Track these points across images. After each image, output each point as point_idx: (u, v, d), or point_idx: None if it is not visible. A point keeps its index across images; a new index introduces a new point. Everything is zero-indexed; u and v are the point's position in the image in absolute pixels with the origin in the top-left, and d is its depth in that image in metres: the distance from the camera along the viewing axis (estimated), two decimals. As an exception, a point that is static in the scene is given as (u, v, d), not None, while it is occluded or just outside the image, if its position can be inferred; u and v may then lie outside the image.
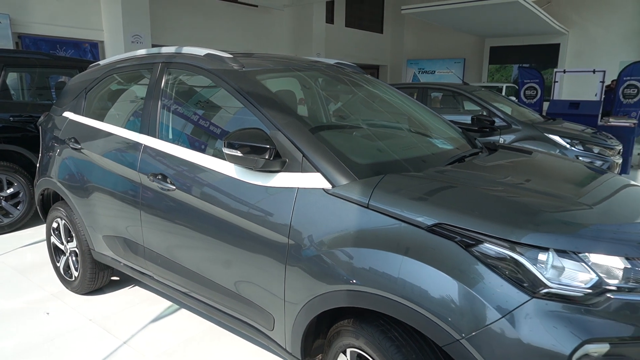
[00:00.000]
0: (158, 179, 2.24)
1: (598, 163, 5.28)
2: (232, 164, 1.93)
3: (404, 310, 1.42)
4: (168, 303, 3.03)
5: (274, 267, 1.80)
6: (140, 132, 2.44)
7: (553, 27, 12.50)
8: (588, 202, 1.64)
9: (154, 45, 8.54)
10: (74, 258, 3.09)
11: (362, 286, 1.50)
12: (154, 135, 2.37)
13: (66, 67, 4.96)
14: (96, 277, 3.03)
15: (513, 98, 11.29)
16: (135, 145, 2.43)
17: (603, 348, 1.26)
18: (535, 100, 10.07)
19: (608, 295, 1.31)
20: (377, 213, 1.55)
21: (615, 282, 1.35)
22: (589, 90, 11.16)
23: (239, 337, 2.62)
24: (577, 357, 1.24)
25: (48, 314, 2.92)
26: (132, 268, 2.64)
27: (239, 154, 1.77)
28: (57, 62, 4.99)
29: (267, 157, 1.75)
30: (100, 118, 2.79)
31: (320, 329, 1.85)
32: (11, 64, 4.49)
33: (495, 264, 1.34)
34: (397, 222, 1.50)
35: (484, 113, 5.99)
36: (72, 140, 2.87)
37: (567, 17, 13.40)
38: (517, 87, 11.09)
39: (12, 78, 4.65)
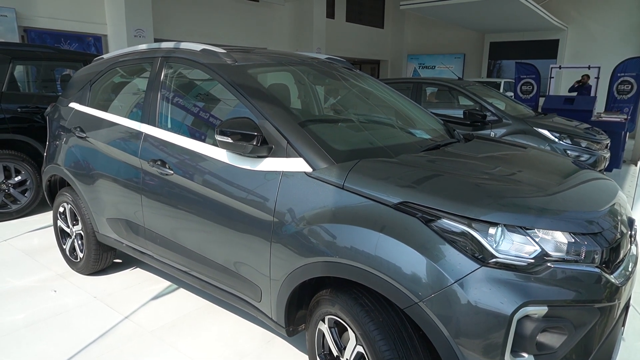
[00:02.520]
0: (157, 164, 2.43)
1: (585, 156, 5.45)
2: (224, 150, 2.12)
3: (371, 278, 1.61)
4: (167, 283, 3.23)
5: (261, 243, 1.99)
6: (142, 121, 2.63)
7: (552, 23, 12.60)
8: (546, 188, 1.80)
9: (156, 40, 8.72)
10: (79, 241, 3.29)
11: (336, 257, 1.69)
12: (154, 125, 2.56)
13: (71, 60, 5.15)
14: (100, 258, 3.23)
15: (510, 93, 11.44)
16: (137, 133, 2.62)
17: (542, 310, 1.44)
18: (531, 95, 10.21)
19: (549, 264, 1.50)
20: (351, 193, 1.73)
21: (560, 254, 1.53)
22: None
23: (233, 314, 2.82)
24: (518, 318, 1.43)
25: (55, 291, 3.12)
26: (133, 248, 2.84)
27: (229, 140, 1.96)
28: (62, 55, 5.18)
29: (254, 143, 1.94)
30: (104, 108, 2.98)
31: (303, 300, 2.05)
32: (18, 57, 4.68)
33: (451, 238, 1.52)
34: (368, 201, 1.69)
35: (477, 108, 6.15)
36: (78, 129, 3.06)
37: (566, 13, 13.50)
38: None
39: (19, 71, 4.85)
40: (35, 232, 4.26)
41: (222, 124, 1.98)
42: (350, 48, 15.38)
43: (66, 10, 7.81)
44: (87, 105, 3.11)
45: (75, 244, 3.32)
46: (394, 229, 1.59)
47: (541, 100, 9.33)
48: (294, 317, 2.06)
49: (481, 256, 1.49)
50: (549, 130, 5.59)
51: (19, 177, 4.59)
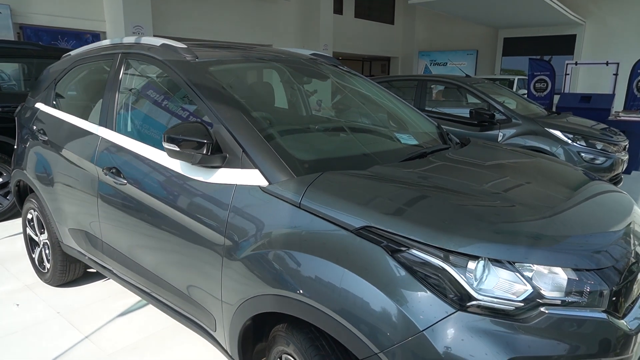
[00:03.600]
0: (112, 172, 2.18)
1: (601, 159, 5.07)
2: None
3: (324, 319, 1.33)
4: (137, 298, 3.00)
5: (212, 266, 1.73)
6: (99, 124, 2.39)
7: (569, 18, 12.09)
8: (543, 209, 1.51)
9: (155, 37, 8.53)
10: (46, 250, 3.08)
11: (285, 291, 1.42)
12: (111, 128, 2.31)
13: (57, 57, 4.94)
14: (67, 269, 3.01)
15: (524, 91, 10.98)
16: (94, 138, 2.38)
17: (530, 367, 1.15)
18: (545, 93, 9.76)
19: (542, 309, 1.20)
20: (308, 213, 1.46)
21: (557, 294, 1.24)
22: (604, 83, 10.78)
23: (200, 337, 2.57)
24: (502, 378, 1.14)
25: (18, 305, 2.91)
26: (95, 262, 2.61)
27: (176, 148, 1.70)
28: (49, 52, 4.99)
29: (204, 152, 1.68)
30: (66, 109, 2.75)
31: (264, 332, 1.78)
32: (1, 54, 4.50)
33: (421, 273, 1.24)
34: (326, 223, 1.41)
35: (485, 107, 5.81)
36: (41, 131, 2.84)
37: (584, 7, 12.95)
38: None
39: (1, 68, 4.67)
40: (13, 237, 4.08)
41: (170, 130, 1.72)
42: (359, 45, 15.04)
43: (64, 7, 7.66)
44: (50, 106, 2.88)
45: (43, 254, 3.11)
46: (353, 260, 1.31)
47: (556, 98, 8.91)
48: (252, 351, 1.80)
49: (458, 297, 1.20)
50: (561, 131, 5.22)
51: (0, 179, 4.41)
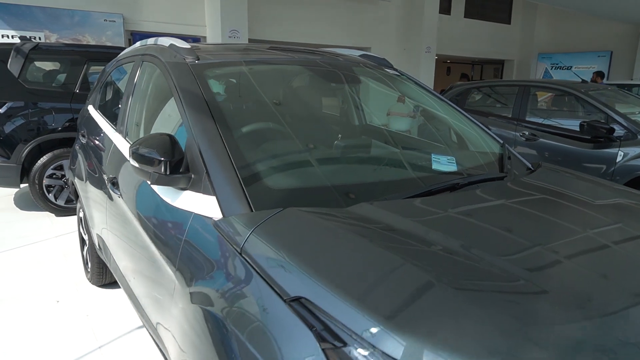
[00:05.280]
0: (112, 182, 2.04)
1: None
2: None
3: None
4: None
5: (169, 306, 1.45)
6: (116, 130, 2.28)
7: None
8: (588, 303, 0.94)
9: (250, 40, 8.73)
10: (89, 250, 3.12)
11: None
12: (121, 135, 2.19)
13: (143, 61, 5.19)
14: (102, 272, 3.01)
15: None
16: (109, 143, 2.28)
17: None
18: (697, 103, 7.89)
19: None
20: (247, 264, 1.10)
21: None
22: None
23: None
24: None
25: (58, 302, 2.98)
26: (114, 271, 2.53)
27: (136, 165, 1.46)
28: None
29: (162, 170, 1.41)
30: (102, 113, 2.72)
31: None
32: (94, 58, 4.83)
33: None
34: (261, 282, 1.04)
35: (602, 119, 4.78)
36: (83, 134, 2.86)
37: None
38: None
39: (93, 72, 5.02)
40: (85, 230, 4.31)
41: (135, 142, 1.49)
42: (468, 47, 13.93)
43: (170, 14, 8.20)
44: (95, 109, 2.90)
45: (88, 253, 3.16)
46: (276, 349, 0.92)
47: None
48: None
49: None
50: None
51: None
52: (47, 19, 6.97)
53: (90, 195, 2.56)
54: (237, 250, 1.14)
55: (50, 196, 4.60)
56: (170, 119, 1.85)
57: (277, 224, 1.15)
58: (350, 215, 1.20)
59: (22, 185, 4.69)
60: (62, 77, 4.85)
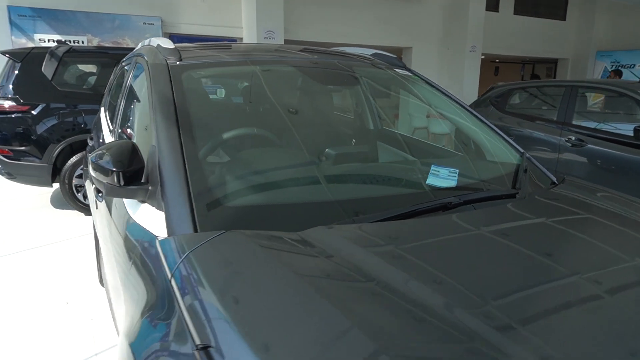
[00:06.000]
0: (97, 188, 1.97)
1: None
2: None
3: None
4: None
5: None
6: (110, 133, 2.22)
7: None
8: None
9: (285, 41, 8.66)
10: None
11: None
12: (115, 138, 2.11)
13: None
14: (110, 275, 2.99)
15: None
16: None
17: None
18: None
19: None
20: (173, 295, 0.95)
21: None
22: None
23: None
24: None
25: (67, 303, 2.99)
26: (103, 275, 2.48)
27: (93, 174, 1.35)
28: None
29: (114, 181, 1.29)
30: (106, 115, 2.69)
31: None
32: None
33: None
34: (182, 319, 0.88)
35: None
36: (91, 136, 2.85)
37: None
38: None
39: (124, 73, 5.11)
40: (108, 231, 4.37)
41: (95, 150, 1.39)
42: (518, 45, 13.20)
43: (207, 16, 8.28)
44: (103, 111, 2.87)
45: (97, 255, 3.16)
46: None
47: None
48: None
49: None
50: None
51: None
52: (90, 24, 7.22)
53: (90, 198, 2.53)
54: (167, 279, 0.99)
55: (79, 195, 4.70)
56: (146, 124, 1.75)
57: (213, 249, 0.99)
58: (299, 241, 1.02)
59: (54, 185, 4.84)
60: (92, 79, 4.96)
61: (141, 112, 1.80)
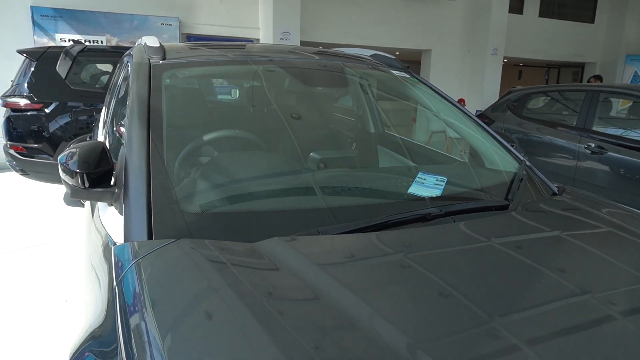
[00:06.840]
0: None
1: None
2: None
3: None
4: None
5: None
6: (102, 133, 2.20)
7: None
8: None
9: (302, 43, 8.61)
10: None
11: None
12: (104, 136, 2.10)
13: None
14: (108, 275, 2.99)
15: None
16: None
17: None
18: None
19: None
20: (115, 306, 0.90)
21: None
22: None
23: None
24: None
25: (66, 301, 3.00)
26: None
27: (62, 174, 1.32)
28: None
29: (79, 183, 1.25)
30: (104, 112, 2.68)
31: None
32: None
33: None
34: (119, 336, 0.83)
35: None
36: (90, 135, 2.85)
37: None
38: None
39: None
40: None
41: (64, 150, 1.36)
42: (542, 48, 12.85)
43: (224, 17, 8.31)
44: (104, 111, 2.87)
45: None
46: None
47: None
48: None
49: None
50: None
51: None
52: (109, 24, 7.34)
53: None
54: (113, 286, 0.94)
55: (89, 193, 4.75)
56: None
57: (160, 259, 0.94)
58: (248, 253, 0.96)
59: (65, 182, 4.90)
60: (105, 78, 5.01)
61: (123, 112, 1.77)
